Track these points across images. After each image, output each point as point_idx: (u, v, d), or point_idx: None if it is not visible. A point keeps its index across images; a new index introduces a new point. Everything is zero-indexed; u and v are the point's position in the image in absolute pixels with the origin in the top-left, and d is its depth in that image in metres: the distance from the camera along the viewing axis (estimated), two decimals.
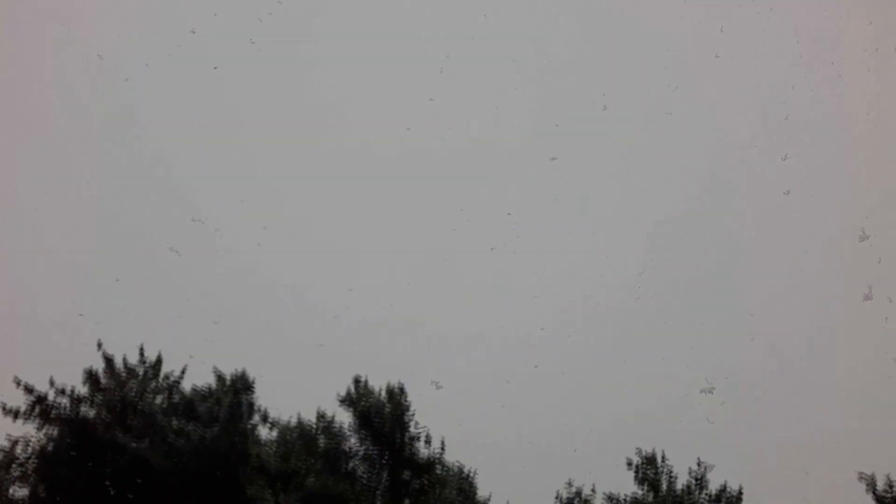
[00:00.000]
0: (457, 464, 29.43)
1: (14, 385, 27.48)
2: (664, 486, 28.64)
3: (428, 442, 29.36)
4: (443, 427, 29.54)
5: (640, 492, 28.71)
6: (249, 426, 28.88)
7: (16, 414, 27.46)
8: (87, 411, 27.94)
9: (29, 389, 27.53)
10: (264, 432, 29.25)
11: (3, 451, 27.51)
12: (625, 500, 28.69)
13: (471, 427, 31.53)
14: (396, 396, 29.40)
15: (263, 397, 29.32)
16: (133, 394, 28.18)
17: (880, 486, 27.30)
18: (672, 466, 28.70)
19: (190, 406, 28.59)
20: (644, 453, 28.85)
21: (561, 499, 29.08)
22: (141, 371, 28.74)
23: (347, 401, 29.45)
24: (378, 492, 28.93)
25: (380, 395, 29.50)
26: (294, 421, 29.43)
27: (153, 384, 28.75)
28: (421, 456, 29.27)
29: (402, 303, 35.68)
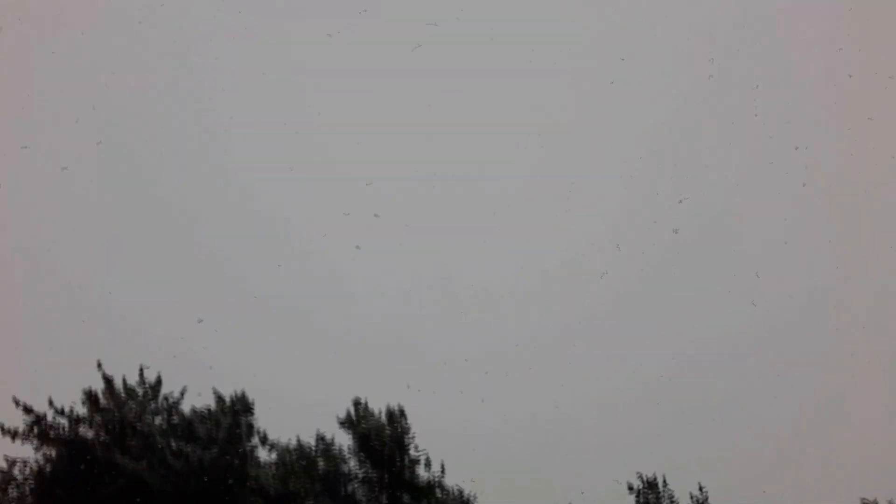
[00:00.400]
0: (457, 487, 29.29)
1: (13, 405, 27.45)
2: None
3: (428, 465, 29.23)
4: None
5: None
6: (248, 448, 28.77)
7: (14, 434, 27.41)
8: (86, 432, 27.89)
9: (28, 409, 27.49)
10: (263, 454, 29.15)
11: (0, 472, 27.43)
12: None
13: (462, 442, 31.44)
14: (397, 419, 29.29)
15: (262, 417, 29.30)
16: (132, 415, 28.10)
17: None
18: (673, 491, 28.55)
19: (189, 427, 28.51)
20: (645, 477, 28.71)
21: None
22: (140, 392, 28.69)
23: (347, 423, 29.35)
24: None
25: (380, 417, 29.39)
26: (293, 443, 29.32)
27: (152, 405, 28.70)
28: (421, 479, 29.13)
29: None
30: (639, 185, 37.22)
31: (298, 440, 29.28)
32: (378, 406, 29.40)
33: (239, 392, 29.04)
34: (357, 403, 29.52)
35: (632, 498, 28.64)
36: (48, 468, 27.55)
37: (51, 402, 27.73)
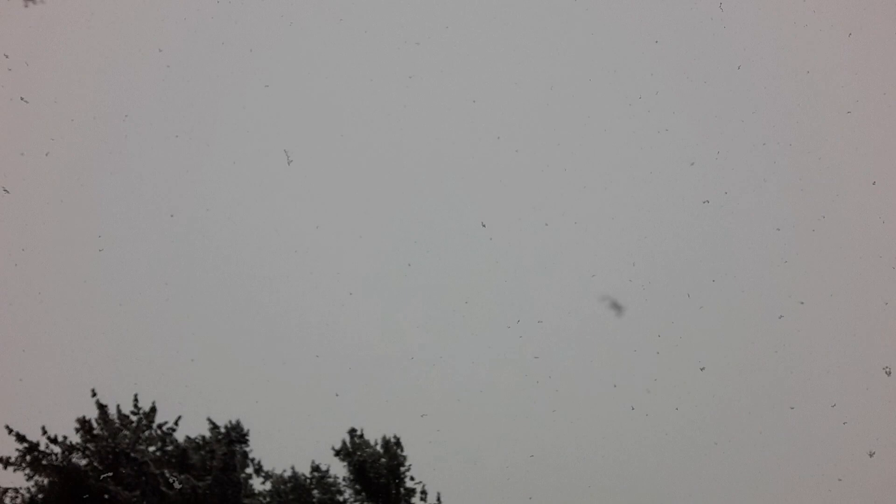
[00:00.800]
0: None
1: (5, 432, 27.23)
2: None
3: (423, 496, 29.05)
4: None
5: None
6: (243, 477, 28.54)
7: (6, 462, 27.17)
8: (79, 460, 27.65)
9: (21, 437, 27.26)
10: (258, 483, 28.94)
11: None
12: None
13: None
14: (392, 448, 29.14)
15: (257, 447, 29.12)
16: (126, 443, 27.86)
17: None
18: None
19: (183, 456, 28.28)
20: None
21: None
22: (134, 420, 28.46)
23: (342, 452, 29.19)
24: None
25: (375, 446, 29.23)
26: (288, 472, 29.09)
27: (146, 433, 28.46)
28: None
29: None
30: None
31: (293, 470, 29.09)
32: (374, 436, 29.34)
33: (234, 421, 28.89)
34: (353, 433, 29.37)
35: None
36: (40, 497, 27.27)
37: (44, 430, 27.51)
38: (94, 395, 28.29)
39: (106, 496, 27.15)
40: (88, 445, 27.80)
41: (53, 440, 27.55)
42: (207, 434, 28.77)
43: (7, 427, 27.21)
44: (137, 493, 27.14)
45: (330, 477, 29.11)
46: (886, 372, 30.53)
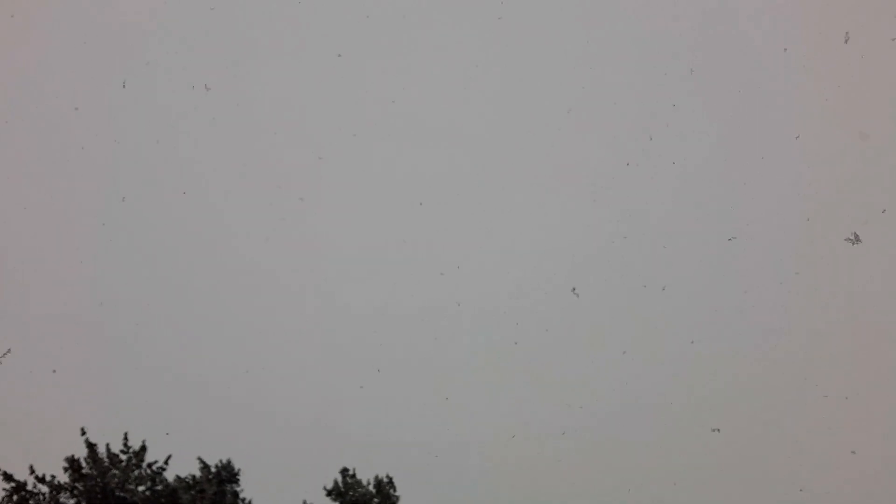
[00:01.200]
0: None
1: None
2: None
3: None
4: None
5: None
6: None
7: None
8: (68, 500, 27.37)
9: (7, 477, 26.99)
10: None
11: None
12: None
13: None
14: (385, 488, 28.84)
15: (249, 487, 28.84)
16: (115, 482, 27.58)
17: None
18: None
19: (173, 496, 27.98)
20: None
21: None
22: (124, 459, 28.16)
23: (334, 492, 28.87)
24: None
25: (368, 486, 28.92)
26: None
27: (136, 472, 28.15)
28: None
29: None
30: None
31: None
32: (366, 476, 29.04)
33: (224, 460, 28.60)
34: (344, 472, 29.06)
35: None
36: None
37: (31, 470, 27.25)
38: (83, 433, 28.04)
39: None
40: (77, 485, 27.52)
41: (41, 479, 27.28)
42: (198, 473, 28.48)
43: None
44: None
45: None
46: None
